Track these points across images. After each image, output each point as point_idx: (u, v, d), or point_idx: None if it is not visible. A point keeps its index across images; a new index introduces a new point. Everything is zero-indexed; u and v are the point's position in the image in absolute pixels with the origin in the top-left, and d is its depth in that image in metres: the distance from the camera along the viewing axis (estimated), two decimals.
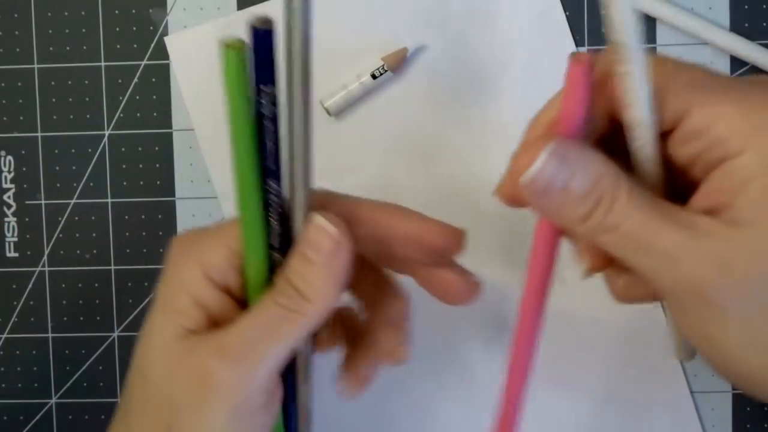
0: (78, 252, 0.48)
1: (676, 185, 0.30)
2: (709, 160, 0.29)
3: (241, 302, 0.32)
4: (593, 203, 0.28)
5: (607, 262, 0.32)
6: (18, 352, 0.48)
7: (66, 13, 0.47)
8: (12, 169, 0.48)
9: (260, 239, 0.31)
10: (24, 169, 0.48)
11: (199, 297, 0.31)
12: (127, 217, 0.47)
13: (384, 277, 0.36)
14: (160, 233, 0.47)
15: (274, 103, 0.30)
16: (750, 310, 0.27)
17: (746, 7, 0.44)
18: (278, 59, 0.30)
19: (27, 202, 0.48)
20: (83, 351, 0.48)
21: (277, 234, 0.31)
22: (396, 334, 0.35)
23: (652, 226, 0.28)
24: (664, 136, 0.30)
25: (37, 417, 0.48)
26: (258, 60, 0.30)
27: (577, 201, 0.28)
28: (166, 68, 0.47)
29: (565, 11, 0.44)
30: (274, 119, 0.30)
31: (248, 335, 0.30)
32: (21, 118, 0.48)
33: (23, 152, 0.48)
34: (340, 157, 0.46)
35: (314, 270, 0.30)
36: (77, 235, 0.48)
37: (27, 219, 0.48)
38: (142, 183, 0.47)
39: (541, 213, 0.30)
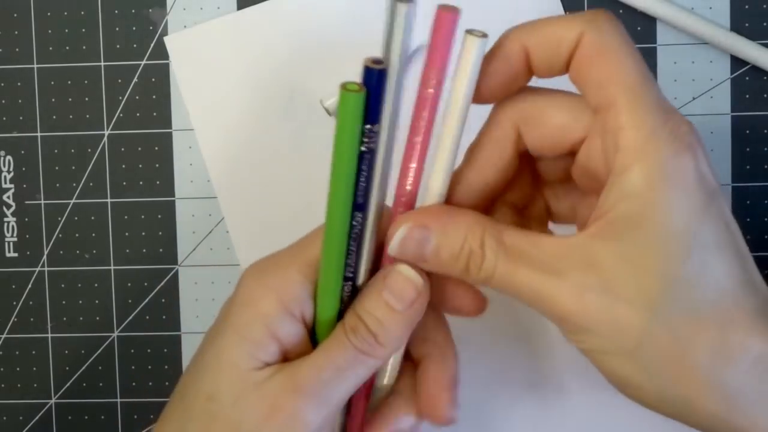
0: (78, 252, 0.48)
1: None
2: (599, 174, 0.31)
3: (311, 329, 0.33)
4: (465, 261, 0.31)
5: None
6: (18, 352, 0.48)
7: (66, 13, 0.47)
8: (12, 169, 0.48)
9: (338, 273, 0.32)
10: (24, 169, 0.48)
11: (275, 330, 0.32)
12: (127, 217, 0.47)
13: (442, 328, 0.36)
14: (160, 233, 0.47)
15: (375, 141, 0.31)
16: (608, 327, 0.29)
17: (746, 7, 0.44)
18: (386, 99, 0.31)
19: (27, 202, 0.48)
20: (83, 351, 0.48)
21: (351, 265, 0.32)
22: (445, 390, 0.35)
23: (515, 275, 0.30)
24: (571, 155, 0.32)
25: (37, 417, 0.48)
26: (372, 98, 0.30)
27: (450, 262, 0.31)
28: (166, 68, 0.47)
29: (565, 11, 0.44)
30: (373, 156, 0.31)
31: (323, 375, 0.31)
32: (21, 118, 0.48)
33: (23, 152, 0.48)
34: None
35: (393, 318, 0.32)
36: (77, 235, 0.48)
37: (27, 219, 0.48)
38: (142, 183, 0.47)
39: (431, 271, 0.32)
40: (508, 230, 0.31)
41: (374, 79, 0.30)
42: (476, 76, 0.31)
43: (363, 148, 0.31)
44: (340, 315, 0.33)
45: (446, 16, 0.30)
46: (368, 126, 0.30)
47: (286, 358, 0.33)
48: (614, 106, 0.29)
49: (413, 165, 0.32)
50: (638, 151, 0.28)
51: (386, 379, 0.35)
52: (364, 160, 0.31)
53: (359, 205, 0.32)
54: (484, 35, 0.31)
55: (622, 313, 0.29)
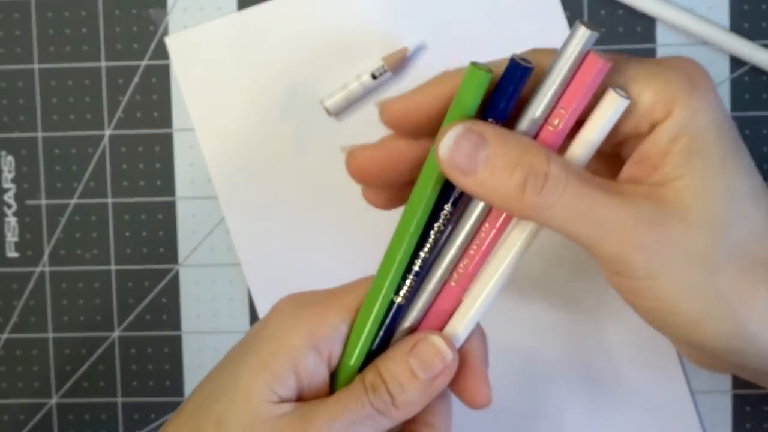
0: (78, 252, 0.48)
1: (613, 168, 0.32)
2: (639, 132, 0.30)
3: (333, 370, 0.33)
4: (522, 177, 0.29)
5: None
6: (18, 352, 0.48)
7: (66, 13, 0.47)
8: (12, 169, 0.48)
9: (377, 321, 0.32)
10: (24, 169, 0.48)
11: (299, 366, 0.32)
12: (127, 217, 0.47)
13: None
14: (160, 233, 0.47)
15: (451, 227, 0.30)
16: (688, 259, 0.29)
17: (746, 7, 0.44)
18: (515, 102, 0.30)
19: (27, 202, 0.48)
20: (83, 351, 0.48)
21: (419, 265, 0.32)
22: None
23: (590, 196, 0.29)
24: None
25: (37, 417, 0.48)
26: (501, 91, 0.29)
27: (506, 174, 0.29)
28: (166, 68, 0.47)
29: (565, 11, 0.45)
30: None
31: (336, 426, 0.31)
32: (21, 118, 0.48)
33: (23, 152, 0.48)
34: (340, 157, 0.46)
35: (415, 386, 0.31)
36: (77, 235, 0.48)
37: (27, 219, 0.48)
38: (142, 183, 0.47)
39: (474, 195, 0.30)
40: (570, 161, 0.30)
41: (515, 73, 0.29)
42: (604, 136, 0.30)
43: (435, 226, 0.30)
44: (365, 364, 0.33)
45: (600, 65, 0.29)
46: (490, 118, 0.30)
47: (302, 395, 0.32)
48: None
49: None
50: (670, 98, 0.29)
51: None
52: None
53: (455, 200, 0.31)
54: (626, 98, 0.30)
55: (698, 238, 0.29)
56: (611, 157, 0.33)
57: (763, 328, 0.30)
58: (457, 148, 0.29)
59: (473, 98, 0.29)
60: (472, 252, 0.31)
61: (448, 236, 0.32)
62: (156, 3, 0.47)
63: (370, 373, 0.32)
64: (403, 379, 0.31)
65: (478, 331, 0.33)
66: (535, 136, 0.30)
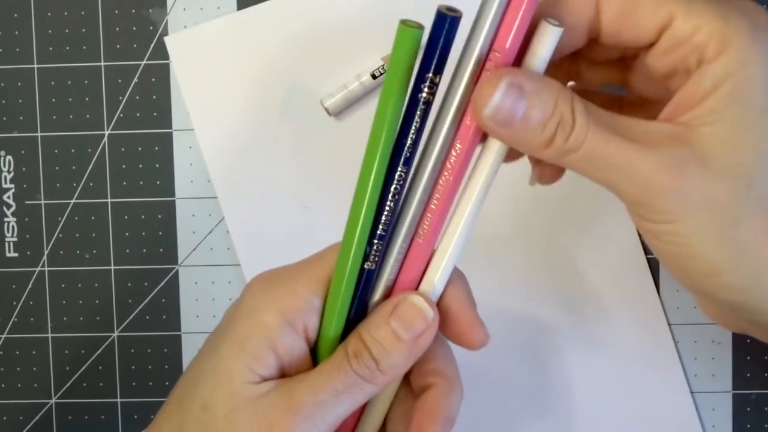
0: (78, 252, 0.48)
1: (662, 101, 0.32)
2: (687, 67, 0.30)
3: (313, 346, 0.33)
4: (553, 129, 0.29)
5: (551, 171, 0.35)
6: (18, 352, 0.48)
7: (66, 13, 0.47)
8: (12, 169, 0.48)
9: (349, 290, 0.32)
10: (24, 169, 0.48)
11: (276, 344, 0.31)
12: (127, 217, 0.47)
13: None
14: (160, 233, 0.47)
15: (432, 94, 0.30)
16: (710, 207, 0.29)
17: None
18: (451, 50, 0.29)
19: (27, 202, 0.48)
20: (83, 351, 0.48)
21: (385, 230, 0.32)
22: (438, 425, 0.33)
23: (608, 143, 0.29)
24: (647, 49, 0.31)
25: (37, 417, 0.48)
26: (433, 46, 0.29)
27: (538, 128, 0.29)
28: (166, 68, 0.47)
29: None
30: (427, 110, 0.30)
31: (319, 397, 0.31)
32: (21, 118, 0.48)
33: (23, 152, 0.48)
34: (340, 157, 0.46)
35: (398, 347, 0.31)
36: (77, 235, 0.48)
37: (27, 219, 0.48)
38: (142, 183, 0.47)
39: (505, 142, 0.31)
40: (592, 104, 0.30)
41: (445, 25, 0.29)
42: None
43: (421, 95, 0.29)
44: (344, 334, 0.33)
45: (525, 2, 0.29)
46: (429, 75, 0.29)
47: (284, 372, 0.32)
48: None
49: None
50: (726, 38, 0.29)
51: (380, 403, 0.35)
52: (417, 110, 0.30)
53: (406, 159, 0.31)
54: (558, 26, 0.29)
55: (719, 187, 0.29)
56: (650, 82, 0.32)
57: None
58: (500, 105, 0.29)
59: (407, 57, 0.29)
60: (433, 206, 0.31)
61: (406, 195, 0.31)
62: (155, 3, 0.47)
63: (352, 341, 0.32)
64: (386, 343, 0.31)
65: (457, 276, 0.33)
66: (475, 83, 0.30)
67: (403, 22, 0.29)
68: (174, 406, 0.33)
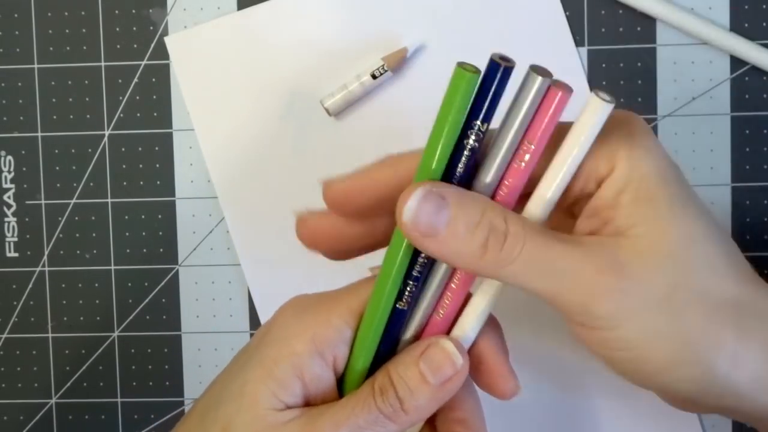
0: (78, 252, 0.48)
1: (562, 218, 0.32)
2: (588, 193, 0.30)
3: (339, 375, 0.33)
4: (484, 236, 0.29)
5: None
6: (18, 352, 0.48)
7: (66, 13, 0.47)
8: (12, 169, 0.48)
9: (381, 324, 0.32)
10: (24, 169, 0.48)
11: (303, 372, 0.31)
12: (127, 217, 0.47)
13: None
14: (160, 233, 0.47)
15: (479, 142, 0.29)
16: (651, 305, 0.29)
17: (746, 7, 0.44)
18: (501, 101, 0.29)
19: (27, 202, 0.48)
20: (83, 351, 0.48)
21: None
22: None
23: (549, 248, 0.29)
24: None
25: (37, 417, 0.48)
26: (484, 94, 0.29)
27: (467, 236, 0.29)
28: (166, 68, 0.47)
29: (565, 11, 0.44)
30: (473, 156, 0.30)
31: (340, 431, 0.31)
32: (21, 118, 0.48)
33: (23, 152, 0.48)
34: (340, 157, 0.46)
35: (425, 391, 0.31)
36: (77, 235, 0.48)
37: (27, 219, 0.48)
38: (142, 183, 0.47)
39: (436, 256, 0.30)
40: (523, 216, 0.30)
41: (497, 75, 0.28)
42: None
43: (467, 142, 0.29)
44: (372, 370, 0.33)
45: (559, 97, 0.29)
46: (477, 122, 0.29)
47: (309, 401, 0.32)
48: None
49: None
50: (611, 155, 0.30)
51: None
52: (463, 156, 0.29)
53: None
54: (611, 102, 0.29)
55: (657, 283, 0.29)
56: (564, 219, 0.32)
57: (732, 369, 0.29)
58: (418, 212, 0.29)
59: (462, 100, 0.29)
60: None
61: None
62: (156, 3, 0.47)
63: (379, 377, 0.32)
64: (413, 384, 0.31)
65: (492, 324, 0.33)
66: (504, 174, 0.30)
67: (461, 65, 0.28)
68: (196, 420, 0.33)
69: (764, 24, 0.44)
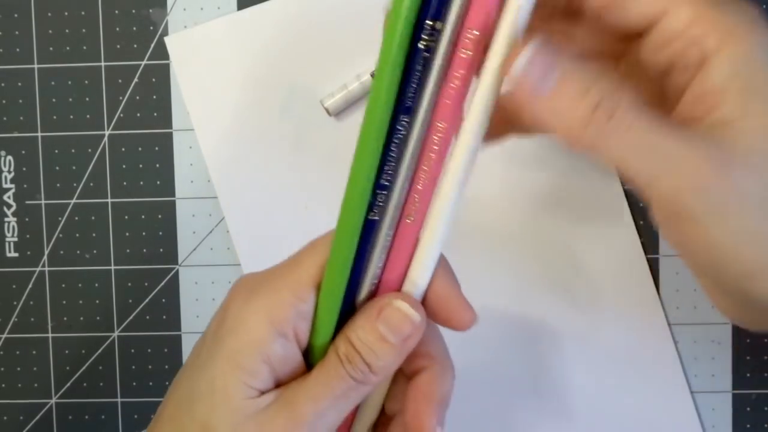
0: (78, 252, 0.48)
1: (658, 96, 0.30)
2: (687, 63, 0.28)
3: (304, 347, 0.33)
4: (593, 103, 0.27)
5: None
6: (18, 352, 0.48)
7: (66, 13, 0.47)
8: (12, 169, 0.48)
9: (341, 290, 0.32)
10: (24, 169, 0.48)
11: (270, 356, 0.31)
12: (127, 217, 0.47)
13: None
14: (160, 233, 0.47)
15: (433, 40, 0.28)
16: (752, 204, 0.27)
17: None
18: None
19: (27, 202, 0.48)
20: (83, 351, 0.48)
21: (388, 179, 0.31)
22: (433, 406, 0.33)
23: (658, 129, 0.27)
24: (638, 39, 0.29)
25: (37, 417, 0.48)
26: None
27: (578, 99, 0.27)
28: (166, 68, 0.47)
29: None
30: (431, 57, 0.28)
31: (320, 405, 0.31)
32: (21, 118, 0.48)
33: (23, 152, 0.48)
34: (340, 157, 0.46)
35: (388, 350, 0.31)
36: (77, 235, 0.48)
37: (27, 219, 0.48)
38: (142, 183, 0.47)
39: (539, 122, 0.28)
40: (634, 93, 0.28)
41: None
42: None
43: (420, 45, 0.28)
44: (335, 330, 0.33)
45: None
46: (429, 22, 0.28)
47: (279, 381, 0.32)
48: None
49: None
50: (726, 29, 0.28)
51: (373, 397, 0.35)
52: (418, 60, 0.28)
53: (406, 108, 0.29)
54: None
55: (761, 182, 0.27)
56: (656, 95, 0.30)
57: None
58: (530, 66, 0.27)
59: (406, 9, 0.28)
60: (419, 187, 0.31)
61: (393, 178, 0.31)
62: (156, 3, 0.47)
63: (342, 345, 0.32)
64: (375, 347, 0.31)
65: (440, 264, 0.32)
66: (448, 67, 0.29)
67: None
68: (169, 424, 0.33)
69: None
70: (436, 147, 0.30)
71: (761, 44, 0.28)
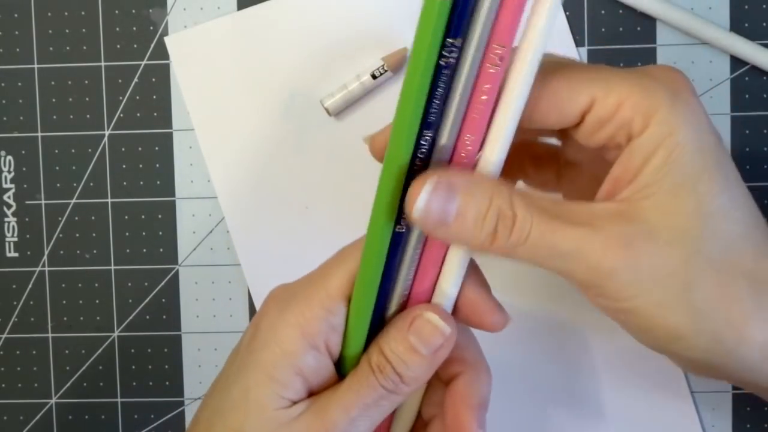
0: (78, 252, 0.48)
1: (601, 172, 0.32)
2: (618, 142, 0.30)
3: (336, 358, 0.33)
4: (493, 224, 0.30)
5: None
6: (18, 352, 0.48)
7: (66, 13, 0.47)
8: (12, 169, 0.48)
9: (370, 305, 0.32)
10: (24, 169, 0.48)
11: (302, 369, 0.32)
12: (127, 217, 0.47)
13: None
14: (160, 233, 0.47)
15: (456, 57, 0.29)
16: (660, 278, 0.29)
17: (746, 7, 0.44)
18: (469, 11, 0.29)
19: (27, 202, 0.48)
20: (83, 351, 0.48)
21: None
22: (473, 411, 0.34)
23: (554, 232, 0.29)
24: (575, 128, 0.31)
25: (37, 417, 0.48)
26: (453, 11, 0.28)
27: (477, 225, 0.30)
28: (166, 68, 0.47)
29: (565, 11, 0.44)
30: (452, 73, 0.29)
31: (352, 415, 0.31)
32: (21, 118, 0.48)
33: (23, 152, 0.48)
34: (340, 157, 0.46)
35: (419, 361, 0.32)
36: (77, 235, 0.48)
37: (27, 219, 0.48)
38: (142, 183, 0.47)
39: (449, 242, 0.31)
40: (532, 194, 0.30)
41: None
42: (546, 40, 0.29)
43: (441, 62, 0.29)
44: (367, 341, 0.33)
45: None
46: (450, 40, 0.29)
47: (312, 391, 0.33)
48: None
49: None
50: (649, 111, 0.29)
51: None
52: (441, 76, 0.29)
53: (428, 123, 0.30)
54: None
55: (669, 257, 0.29)
56: (601, 166, 0.32)
57: (743, 342, 0.30)
58: (429, 203, 0.30)
59: (435, 29, 0.28)
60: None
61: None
62: (156, 3, 0.47)
63: (374, 355, 0.32)
64: (407, 357, 0.32)
65: (469, 269, 0.33)
66: (476, 79, 0.30)
67: None
68: (204, 430, 0.33)
69: (764, 24, 0.44)
70: (465, 159, 0.31)
71: (685, 122, 0.29)
